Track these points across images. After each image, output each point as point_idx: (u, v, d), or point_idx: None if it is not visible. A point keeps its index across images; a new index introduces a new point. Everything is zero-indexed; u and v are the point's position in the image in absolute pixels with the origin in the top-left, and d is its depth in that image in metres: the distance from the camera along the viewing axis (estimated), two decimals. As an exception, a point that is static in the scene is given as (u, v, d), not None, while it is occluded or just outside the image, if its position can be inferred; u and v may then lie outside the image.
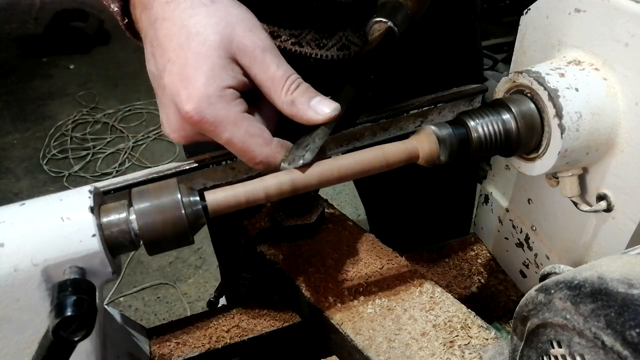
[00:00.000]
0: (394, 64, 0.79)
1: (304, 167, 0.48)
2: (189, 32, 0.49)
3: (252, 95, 0.52)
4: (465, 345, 0.55)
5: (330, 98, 0.51)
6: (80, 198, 0.45)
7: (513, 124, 0.50)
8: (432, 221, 1.00)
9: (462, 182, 1.02)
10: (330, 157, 0.51)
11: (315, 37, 0.74)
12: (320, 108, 0.50)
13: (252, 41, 0.50)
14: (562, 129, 0.47)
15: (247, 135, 0.49)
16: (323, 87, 0.53)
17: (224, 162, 0.58)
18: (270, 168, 0.50)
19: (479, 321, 0.57)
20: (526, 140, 0.50)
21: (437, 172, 0.86)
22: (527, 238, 0.68)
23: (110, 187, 0.54)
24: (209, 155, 0.57)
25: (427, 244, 0.82)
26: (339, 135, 0.60)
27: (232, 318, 0.69)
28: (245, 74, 0.51)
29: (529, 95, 0.50)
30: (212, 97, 0.48)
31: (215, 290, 0.72)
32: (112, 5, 0.56)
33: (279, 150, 0.50)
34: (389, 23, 0.56)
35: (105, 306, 0.60)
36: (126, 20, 0.57)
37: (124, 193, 0.54)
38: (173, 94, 0.49)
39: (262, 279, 0.74)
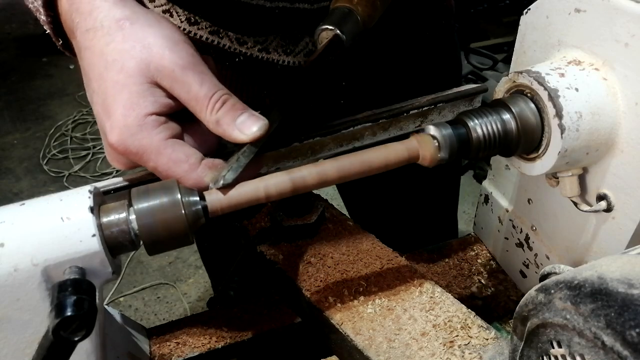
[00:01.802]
0: (366, 70, 0.78)
1: (225, 188, 0.46)
2: (106, 61, 0.48)
3: (189, 112, 0.50)
4: (465, 345, 0.55)
5: (259, 113, 0.49)
6: (80, 198, 0.45)
7: (513, 124, 0.50)
8: (416, 225, 1.00)
9: (444, 185, 1.01)
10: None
11: (281, 44, 0.73)
12: (246, 127, 0.48)
13: (171, 61, 0.48)
14: (562, 129, 0.47)
15: (171, 162, 0.48)
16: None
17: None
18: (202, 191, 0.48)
19: (479, 321, 0.57)
20: (526, 140, 0.50)
21: (419, 176, 0.85)
22: (527, 238, 0.68)
23: (110, 187, 0.54)
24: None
25: (412, 247, 0.81)
26: (339, 135, 0.60)
27: (232, 318, 0.69)
28: (170, 95, 0.49)
29: (529, 95, 0.50)
30: (132, 128, 0.47)
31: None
32: (45, 27, 0.55)
33: (206, 174, 0.48)
34: (336, 31, 0.54)
35: (105, 306, 0.60)
36: (60, 42, 0.56)
37: (124, 193, 0.54)
38: (101, 125, 0.49)
39: (251, 283, 0.73)
